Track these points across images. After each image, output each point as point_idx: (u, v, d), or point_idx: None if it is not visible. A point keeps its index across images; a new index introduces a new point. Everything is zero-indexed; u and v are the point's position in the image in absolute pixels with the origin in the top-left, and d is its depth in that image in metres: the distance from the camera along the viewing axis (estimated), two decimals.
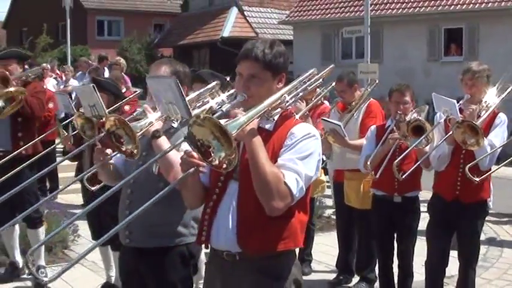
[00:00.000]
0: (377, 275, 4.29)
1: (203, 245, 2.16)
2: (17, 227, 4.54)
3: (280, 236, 2.03)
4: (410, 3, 15.31)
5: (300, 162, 2.00)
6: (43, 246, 4.47)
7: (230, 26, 20.54)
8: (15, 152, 3.81)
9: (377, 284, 4.29)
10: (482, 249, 4.76)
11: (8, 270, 4.57)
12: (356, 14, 15.68)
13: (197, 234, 2.18)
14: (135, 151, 2.19)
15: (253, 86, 2.05)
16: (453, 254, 3.75)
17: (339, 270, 4.72)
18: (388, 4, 15.65)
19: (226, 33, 20.24)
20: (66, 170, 6.56)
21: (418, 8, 15.09)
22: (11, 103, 4.00)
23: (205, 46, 21.60)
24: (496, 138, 3.52)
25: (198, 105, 2.51)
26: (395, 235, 4.01)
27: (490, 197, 3.82)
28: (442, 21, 14.79)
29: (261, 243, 2.02)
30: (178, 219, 2.54)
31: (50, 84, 9.55)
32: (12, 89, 4.04)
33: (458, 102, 3.52)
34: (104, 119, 3.02)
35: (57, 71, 11.49)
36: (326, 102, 5.08)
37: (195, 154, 1.91)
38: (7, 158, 3.64)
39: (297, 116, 2.51)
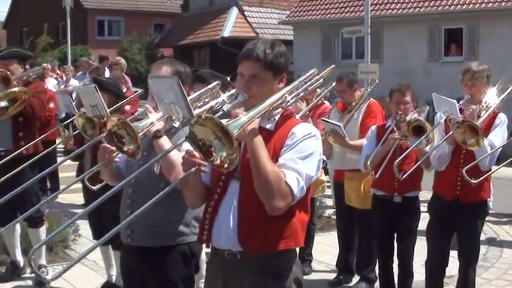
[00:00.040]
0: (377, 275, 4.30)
1: (204, 244, 2.17)
2: (18, 226, 4.55)
3: (281, 235, 2.04)
4: (411, 3, 15.32)
5: (300, 162, 2.01)
6: (44, 246, 4.48)
7: (230, 26, 20.56)
8: (16, 152, 3.82)
9: (377, 284, 4.30)
10: (482, 249, 4.77)
11: (9, 270, 4.58)
12: (356, 14, 15.69)
13: (198, 234, 2.19)
14: (136, 151, 2.20)
15: (254, 86, 2.06)
16: (453, 254, 3.76)
17: (339, 270, 4.73)
18: (388, 4, 15.66)
19: (226, 33, 20.26)
20: (67, 169, 6.57)
21: (418, 8, 15.10)
22: (14, 103, 4.01)
23: (206, 46, 21.62)
24: (496, 138, 3.53)
25: (199, 105, 2.52)
26: (395, 235, 4.02)
27: (490, 197, 3.83)
28: (442, 21, 14.81)
29: (262, 242, 2.03)
30: (179, 218, 2.54)
31: (51, 84, 9.56)
32: (16, 89, 4.05)
33: (458, 103, 3.53)
34: (105, 119, 3.03)
35: (58, 71, 11.51)
36: (326, 102, 5.09)
37: (196, 154, 1.92)
38: (8, 157, 3.65)
39: (298, 116, 2.53)
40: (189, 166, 1.95)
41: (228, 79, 4.03)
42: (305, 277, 2.26)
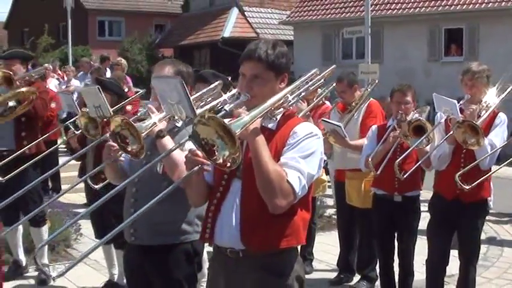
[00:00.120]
0: (378, 274, 4.31)
1: (206, 243, 2.19)
2: (20, 225, 4.57)
3: (282, 233, 2.06)
4: (411, 4, 15.34)
5: (302, 161, 2.03)
6: (46, 245, 4.50)
7: (231, 26, 20.57)
8: (19, 152, 3.85)
9: (378, 283, 4.32)
10: (483, 248, 4.79)
11: (12, 268, 4.60)
12: (356, 14, 15.71)
13: (201, 232, 2.22)
14: (140, 151, 2.22)
15: (256, 86, 2.08)
16: (454, 253, 3.77)
17: (340, 269, 4.75)
18: (389, 4, 15.68)
19: (227, 33, 20.27)
20: (68, 169, 6.57)
21: (418, 8, 15.12)
22: (21, 103, 4.03)
23: (206, 46, 21.63)
24: (496, 137, 3.55)
25: (201, 104, 2.54)
26: (395, 234, 4.04)
27: (491, 196, 3.85)
28: (443, 21, 14.82)
29: (264, 241, 2.05)
30: (182, 217, 2.56)
31: (52, 84, 9.59)
32: (24, 89, 4.07)
33: (458, 103, 3.55)
34: (107, 119, 3.06)
35: (59, 72, 11.53)
36: (327, 102, 5.11)
37: (199, 153, 1.94)
38: (11, 157, 3.67)
39: (299, 116, 2.55)
40: (192, 165, 1.97)
41: (229, 79, 4.05)
42: (306, 276, 2.27)
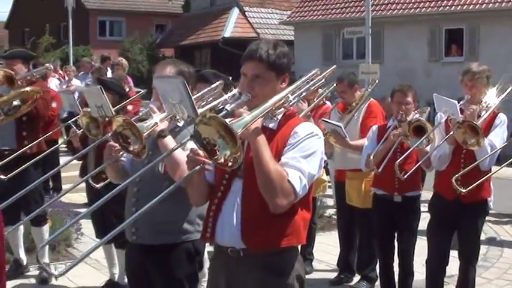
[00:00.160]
0: (378, 274, 4.32)
1: (207, 243, 2.20)
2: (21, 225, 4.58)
3: (283, 232, 2.07)
4: (411, 4, 15.35)
5: (303, 161, 2.04)
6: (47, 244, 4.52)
7: (231, 26, 20.58)
8: (20, 151, 3.86)
9: (378, 283, 4.32)
10: (483, 249, 4.80)
11: (12, 268, 4.61)
12: (357, 14, 15.72)
13: (202, 231, 2.23)
14: (142, 151, 2.23)
15: (257, 86, 2.09)
16: (453, 254, 3.78)
17: (340, 269, 4.75)
18: (389, 5, 15.69)
19: (227, 33, 20.28)
20: (69, 169, 6.56)
21: (418, 9, 15.13)
22: (26, 102, 4.05)
23: (207, 46, 21.64)
24: (496, 138, 3.56)
25: (202, 104, 2.55)
26: (395, 234, 4.04)
27: (491, 196, 3.85)
28: (443, 21, 14.83)
29: (264, 240, 2.06)
30: (184, 216, 2.57)
31: (53, 84, 9.60)
32: (28, 88, 4.08)
33: (459, 103, 3.56)
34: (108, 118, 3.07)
35: (60, 71, 11.54)
36: (328, 102, 5.12)
37: (201, 152, 1.95)
38: (12, 156, 3.69)
39: (299, 116, 2.55)
40: (194, 165, 1.98)
41: (230, 79, 4.06)
42: (306, 276, 2.28)
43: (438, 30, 14.95)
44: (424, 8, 15.00)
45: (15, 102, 4.02)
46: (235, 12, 21.04)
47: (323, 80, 2.53)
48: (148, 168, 2.16)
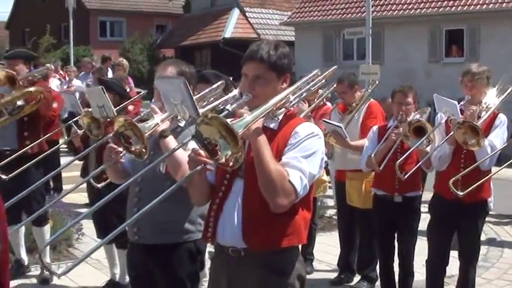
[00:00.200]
0: (378, 274, 4.33)
1: (209, 241, 2.21)
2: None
3: (284, 232, 2.08)
4: (412, 5, 15.36)
5: (304, 161, 2.05)
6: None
7: (232, 27, 20.60)
8: (22, 151, 3.87)
9: (378, 283, 4.33)
10: (483, 249, 4.81)
11: (14, 268, 4.62)
12: (357, 15, 15.74)
13: (203, 231, 2.24)
14: (143, 151, 2.24)
15: (258, 87, 2.11)
16: (454, 254, 3.79)
17: (340, 269, 4.76)
18: (390, 5, 15.70)
19: (228, 34, 20.30)
20: (70, 169, 6.57)
21: (419, 10, 15.14)
22: (29, 102, 4.07)
23: (207, 47, 21.66)
24: (496, 138, 3.57)
25: (203, 104, 2.56)
26: (396, 234, 4.05)
27: (491, 197, 3.86)
28: (443, 22, 14.84)
29: (265, 239, 2.07)
30: (185, 216, 2.59)
31: (54, 84, 9.60)
32: (32, 88, 4.10)
33: (459, 103, 3.57)
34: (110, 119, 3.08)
35: (61, 72, 11.56)
36: (328, 103, 5.13)
37: (202, 152, 1.96)
38: (14, 156, 3.70)
39: (300, 116, 2.56)
40: (195, 164, 2.00)
41: (231, 79, 4.07)
42: (307, 276, 2.29)
43: (438, 30, 14.96)
44: (425, 9, 15.01)
45: (19, 103, 4.04)
46: (235, 12, 21.06)
47: (323, 81, 2.54)
48: (149, 168, 2.17)
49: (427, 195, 4.05)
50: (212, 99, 2.66)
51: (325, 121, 4.37)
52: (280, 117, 2.15)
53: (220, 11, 21.71)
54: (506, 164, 3.55)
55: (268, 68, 2.10)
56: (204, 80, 3.53)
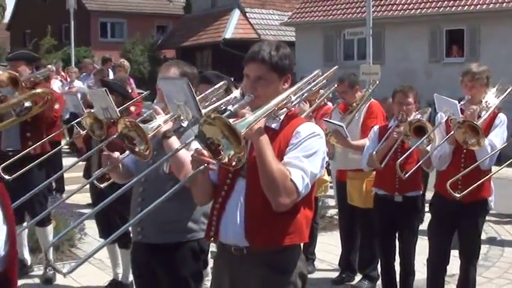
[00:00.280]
0: (379, 273, 4.35)
1: (212, 240, 2.23)
2: (25, 225, 4.61)
3: (286, 230, 2.10)
4: (412, 5, 15.37)
5: (305, 160, 2.07)
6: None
7: (232, 27, 20.61)
8: (24, 152, 3.90)
9: (379, 282, 4.35)
10: (484, 248, 4.82)
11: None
12: (358, 15, 15.76)
13: (206, 230, 2.26)
14: (147, 152, 2.27)
15: (260, 87, 2.13)
16: (454, 253, 3.80)
17: (341, 269, 4.78)
18: (390, 6, 15.72)
19: (228, 34, 20.31)
20: (72, 169, 6.53)
21: (419, 10, 15.15)
22: (37, 103, 4.10)
23: (208, 48, 21.67)
24: (496, 138, 3.58)
25: (206, 104, 2.59)
26: (397, 234, 4.07)
27: (491, 196, 3.88)
28: (444, 22, 14.85)
29: (267, 238, 2.09)
30: (188, 215, 2.61)
31: (55, 85, 9.61)
32: (39, 90, 4.12)
33: (459, 103, 3.59)
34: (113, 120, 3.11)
35: (62, 73, 11.58)
36: (329, 103, 5.15)
37: (205, 152, 1.98)
38: (16, 157, 3.73)
39: (302, 116, 2.58)
40: (198, 164, 2.02)
41: (232, 80, 4.09)
42: (308, 276, 2.31)
43: (439, 31, 14.98)
44: (425, 9, 15.02)
45: (27, 104, 4.07)
46: (236, 13, 21.07)
47: (324, 81, 2.56)
48: (153, 168, 2.19)
49: (430, 195, 4.06)
50: (214, 99, 2.68)
51: (326, 121, 4.40)
52: (282, 117, 2.17)
53: (220, 11, 21.72)
54: (507, 163, 3.56)
55: (269, 69, 2.13)
56: (205, 80, 3.55)
